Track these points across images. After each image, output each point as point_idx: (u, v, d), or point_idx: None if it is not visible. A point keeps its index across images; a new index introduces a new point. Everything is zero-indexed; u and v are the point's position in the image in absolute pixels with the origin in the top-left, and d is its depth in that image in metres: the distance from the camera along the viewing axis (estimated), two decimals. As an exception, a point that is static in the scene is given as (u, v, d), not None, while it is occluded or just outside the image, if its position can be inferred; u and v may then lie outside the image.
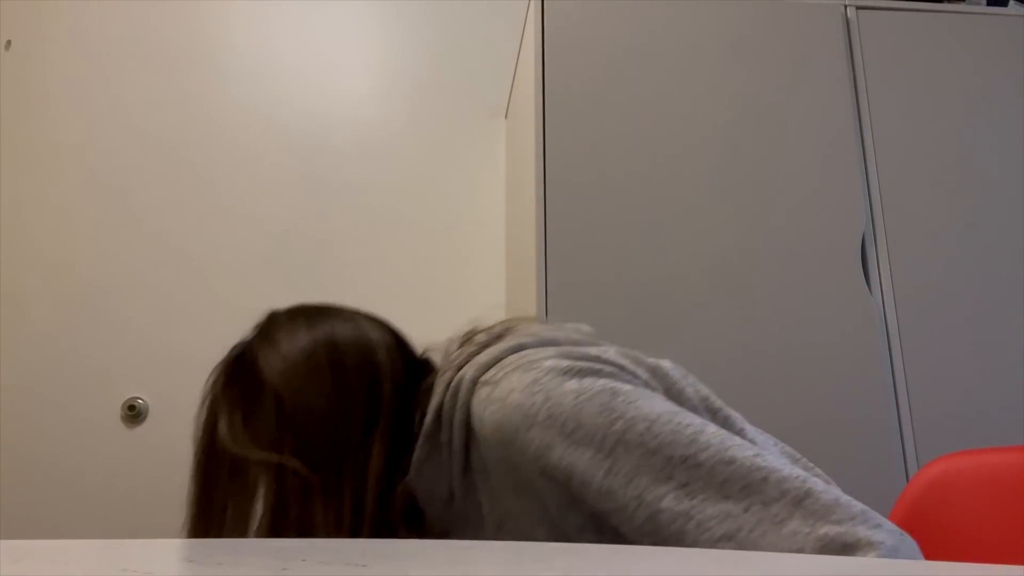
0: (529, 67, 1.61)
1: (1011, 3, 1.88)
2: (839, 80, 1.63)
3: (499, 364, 0.64)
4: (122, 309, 1.93)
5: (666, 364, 0.65)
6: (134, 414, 1.86)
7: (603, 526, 0.57)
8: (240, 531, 0.63)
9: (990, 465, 0.86)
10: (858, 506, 0.51)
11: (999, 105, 1.67)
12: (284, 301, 2.27)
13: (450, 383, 0.65)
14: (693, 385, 0.65)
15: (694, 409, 0.62)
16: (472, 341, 0.69)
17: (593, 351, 0.64)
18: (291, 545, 0.40)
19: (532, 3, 1.63)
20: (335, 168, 2.08)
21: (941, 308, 1.52)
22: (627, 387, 0.59)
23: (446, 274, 2.03)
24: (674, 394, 0.62)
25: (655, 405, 0.57)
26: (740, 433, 0.62)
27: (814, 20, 1.67)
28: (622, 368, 0.62)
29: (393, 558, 0.37)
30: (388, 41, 2.20)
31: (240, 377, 0.69)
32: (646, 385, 0.61)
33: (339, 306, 0.75)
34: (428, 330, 2.39)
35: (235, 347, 0.73)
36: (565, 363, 0.60)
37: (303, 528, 0.61)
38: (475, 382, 0.64)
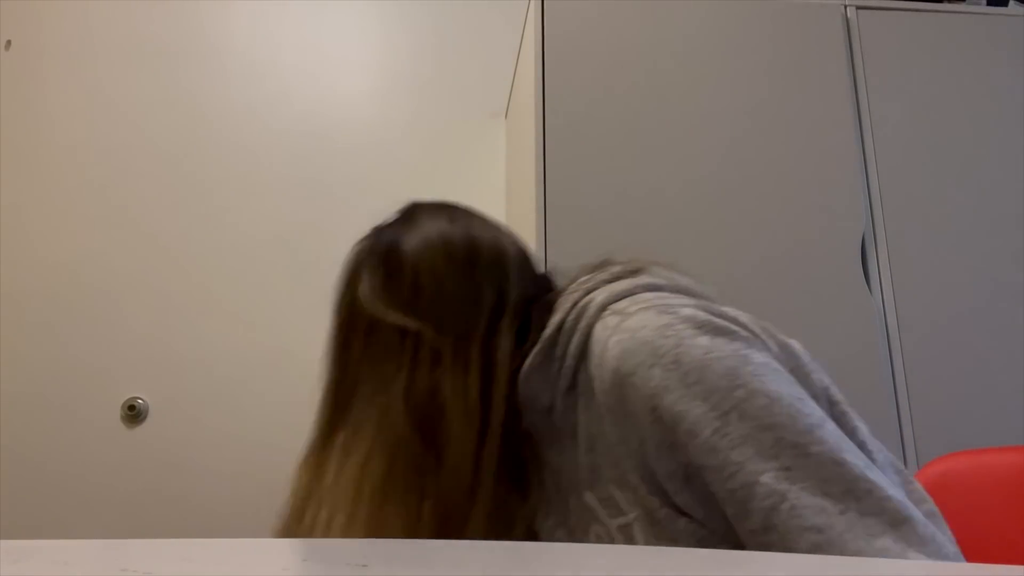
0: (529, 67, 1.61)
1: (1011, 3, 1.88)
2: (839, 80, 1.63)
3: (633, 298, 0.65)
4: (122, 309, 1.93)
5: (795, 344, 0.65)
6: (134, 414, 1.86)
7: (692, 478, 0.57)
8: (372, 389, 0.67)
9: (990, 465, 0.86)
10: (953, 548, 0.51)
11: (999, 105, 1.67)
12: (284, 301, 2.26)
13: (577, 303, 0.67)
14: (818, 372, 0.64)
15: (815, 396, 0.61)
16: (605, 269, 0.71)
17: (730, 312, 0.63)
18: (291, 545, 0.40)
19: (532, 3, 1.63)
20: (335, 168, 2.08)
21: (941, 308, 1.52)
22: (758, 358, 0.58)
23: (446, 274, 2.03)
24: (800, 376, 0.62)
25: (781, 385, 0.57)
26: (852, 432, 0.61)
27: (814, 20, 1.67)
28: (756, 336, 0.62)
29: (393, 558, 0.37)
30: (388, 41, 2.20)
31: (382, 249, 0.73)
32: (776, 359, 0.61)
33: (479, 212, 0.78)
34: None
35: (378, 226, 0.77)
36: (702, 316, 0.60)
37: (433, 393, 0.65)
38: (603, 308, 0.65)
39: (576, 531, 0.66)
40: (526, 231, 1.58)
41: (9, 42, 2.08)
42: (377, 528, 0.61)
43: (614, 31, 1.60)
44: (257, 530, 1.79)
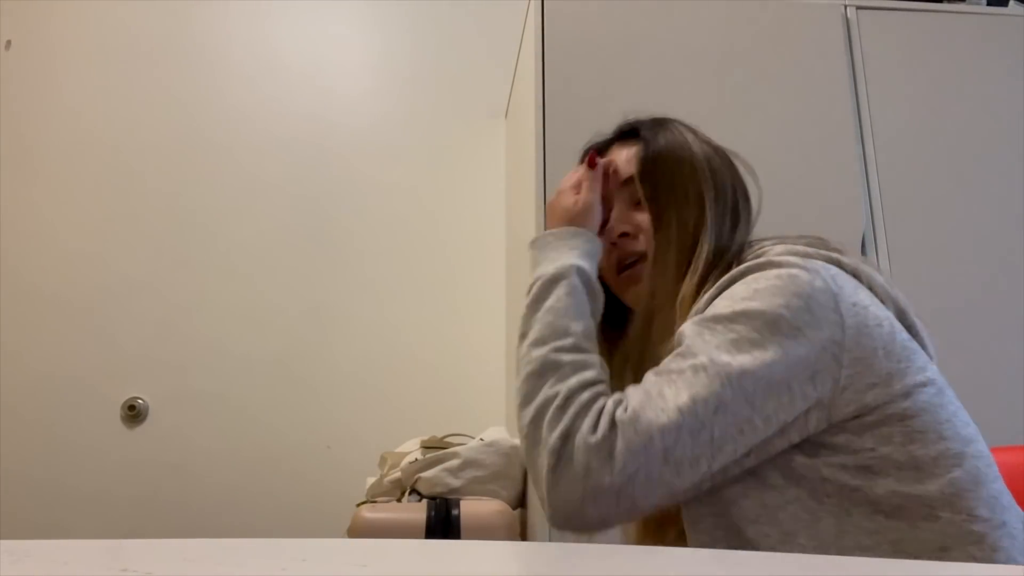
0: (529, 67, 1.61)
1: (1011, 3, 1.88)
2: (839, 80, 1.63)
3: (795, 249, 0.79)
4: (122, 309, 1.93)
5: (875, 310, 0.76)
6: (134, 414, 1.86)
7: None
8: None
9: (990, 465, 0.86)
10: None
11: (999, 105, 1.67)
12: (284, 301, 2.26)
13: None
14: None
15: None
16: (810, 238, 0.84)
17: (844, 295, 0.73)
18: (291, 545, 0.40)
19: (532, 3, 1.63)
20: (335, 168, 2.08)
21: (941, 307, 1.52)
22: (785, 350, 0.68)
23: (447, 273, 2.03)
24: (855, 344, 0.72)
25: (754, 368, 0.67)
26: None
27: (814, 20, 1.67)
28: (833, 322, 0.71)
29: (393, 558, 0.37)
30: (388, 41, 2.20)
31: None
32: (821, 347, 0.70)
33: None
34: (428, 328, 2.37)
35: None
36: (809, 288, 0.72)
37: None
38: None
39: None
40: (526, 231, 1.58)
41: (9, 42, 2.08)
42: None
43: (614, 31, 1.60)
44: (257, 530, 1.78)
